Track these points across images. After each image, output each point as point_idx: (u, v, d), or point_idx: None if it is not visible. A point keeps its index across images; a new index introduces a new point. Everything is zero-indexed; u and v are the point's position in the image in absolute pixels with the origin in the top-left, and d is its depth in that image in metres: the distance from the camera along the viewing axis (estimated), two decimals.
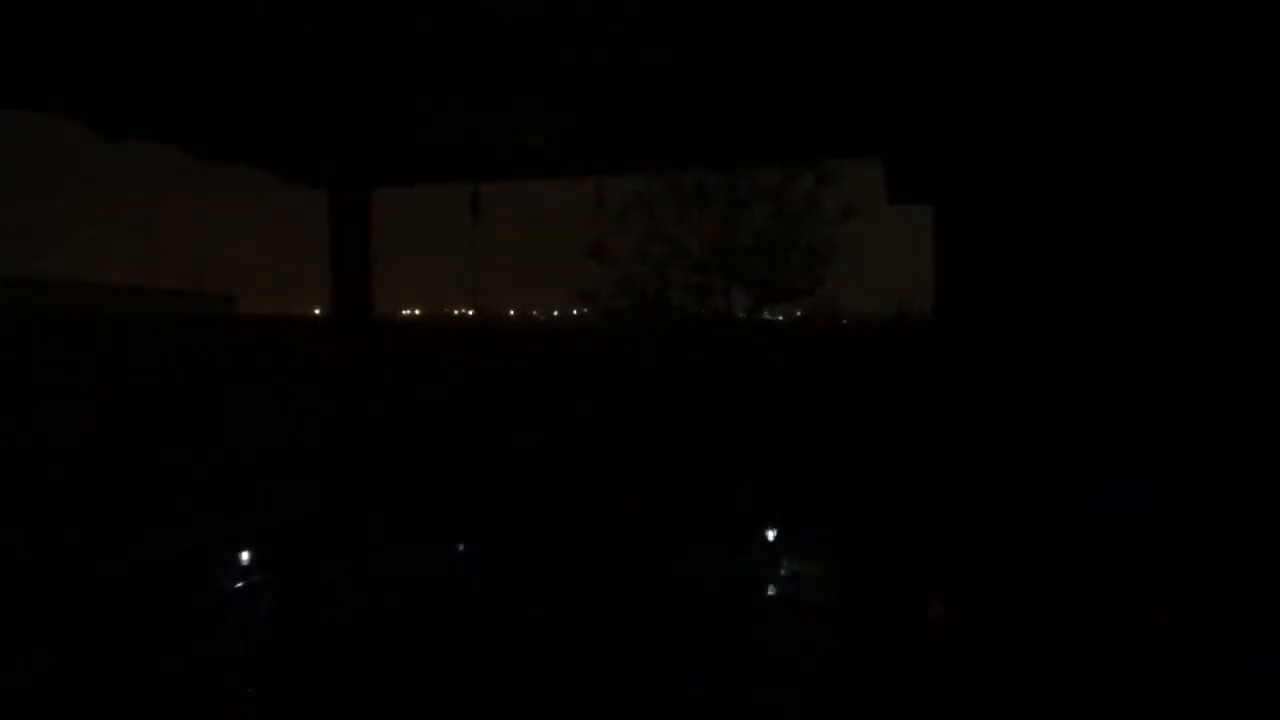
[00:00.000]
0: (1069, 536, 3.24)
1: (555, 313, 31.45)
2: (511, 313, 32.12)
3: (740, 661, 4.61)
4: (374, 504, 6.89)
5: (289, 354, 11.82)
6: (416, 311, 31.93)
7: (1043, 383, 3.40)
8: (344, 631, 4.89)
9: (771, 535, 6.43)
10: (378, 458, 7.37)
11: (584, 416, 10.35)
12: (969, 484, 3.67)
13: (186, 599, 5.68)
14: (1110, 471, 3.10)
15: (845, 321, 15.66)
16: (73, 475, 8.10)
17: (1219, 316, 2.93)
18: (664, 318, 15.03)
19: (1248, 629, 2.84)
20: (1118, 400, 3.09)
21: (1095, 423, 3.18)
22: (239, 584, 6.02)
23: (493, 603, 5.43)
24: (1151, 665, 2.95)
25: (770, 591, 5.79)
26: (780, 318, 15.95)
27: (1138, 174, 3.09)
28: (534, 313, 33.89)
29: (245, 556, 6.17)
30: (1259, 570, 2.83)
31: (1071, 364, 3.30)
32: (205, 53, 4.26)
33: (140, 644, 4.48)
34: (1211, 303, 2.94)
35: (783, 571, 5.98)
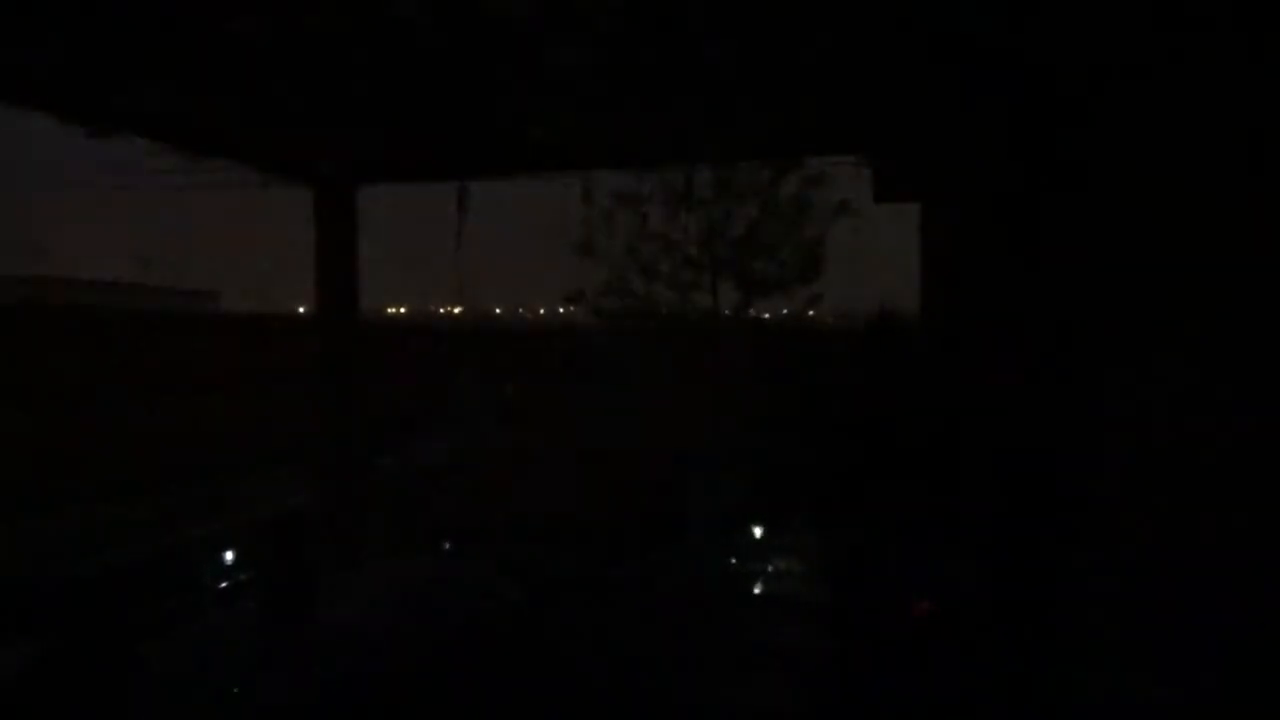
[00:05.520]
0: (1041, 530, 3.26)
1: (542, 311, 31.42)
2: (499, 311, 32.12)
3: (727, 657, 4.63)
4: (360, 500, 6.86)
5: (273, 350, 11.74)
6: (403, 310, 31.82)
7: (1028, 375, 3.43)
8: (330, 627, 4.87)
9: (758, 533, 6.45)
10: (365, 454, 7.33)
11: (568, 413, 10.33)
12: (947, 477, 3.69)
13: (172, 596, 5.64)
14: (1090, 463, 3.13)
15: (830, 320, 15.71)
16: (64, 469, 8.02)
17: (1198, 313, 2.96)
18: (652, 316, 14.99)
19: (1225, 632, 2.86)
20: (1102, 395, 3.12)
21: (1078, 418, 3.21)
22: (224, 582, 5.99)
23: (481, 598, 5.42)
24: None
25: (757, 589, 5.81)
26: (767, 315, 15.94)
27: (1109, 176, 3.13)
28: (520, 311, 33.84)
29: (230, 554, 6.13)
30: (1244, 572, 2.86)
31: (1054, 360, 3.33)
32: (190, 48, 4.23)
33: (126, 641, 4.45)
34: (1190, 298, 2.97)
35: (769, 568, 6.00)
